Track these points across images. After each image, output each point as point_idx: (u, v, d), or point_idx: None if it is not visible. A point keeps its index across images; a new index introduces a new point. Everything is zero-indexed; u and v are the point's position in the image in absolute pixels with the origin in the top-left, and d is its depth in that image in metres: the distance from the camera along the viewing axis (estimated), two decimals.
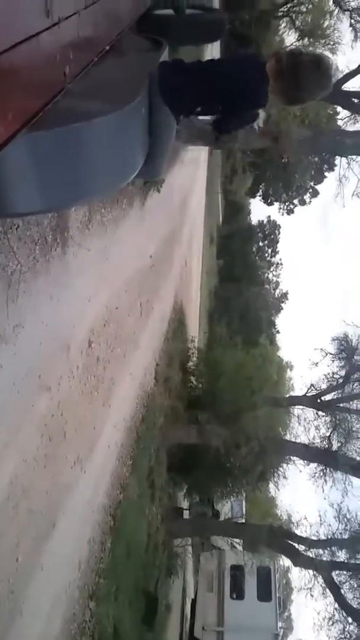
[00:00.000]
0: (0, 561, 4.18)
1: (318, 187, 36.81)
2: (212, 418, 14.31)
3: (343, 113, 15.73)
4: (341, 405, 16.59)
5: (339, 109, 16.47)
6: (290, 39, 20.49)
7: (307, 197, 38.55)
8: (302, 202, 39.09)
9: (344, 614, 14.33)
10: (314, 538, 14.87)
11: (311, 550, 14.63)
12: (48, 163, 1.88)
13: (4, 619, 4.35)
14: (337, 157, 15.89)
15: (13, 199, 1.93)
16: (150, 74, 2.52)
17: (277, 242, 57.25)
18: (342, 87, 12.41)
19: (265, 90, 2.60)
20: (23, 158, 1.78)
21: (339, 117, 17.33)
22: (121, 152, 2.21)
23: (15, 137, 1.66)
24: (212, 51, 14.24)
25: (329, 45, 19.97)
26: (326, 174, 32.29)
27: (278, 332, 49.64)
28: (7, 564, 4.34)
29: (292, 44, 18.75)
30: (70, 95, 2.03)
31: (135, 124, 2.28)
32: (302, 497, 22.90)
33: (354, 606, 14.15)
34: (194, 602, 16.54)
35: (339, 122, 16.62)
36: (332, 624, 14.57)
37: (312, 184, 36.59)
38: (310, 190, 37.68)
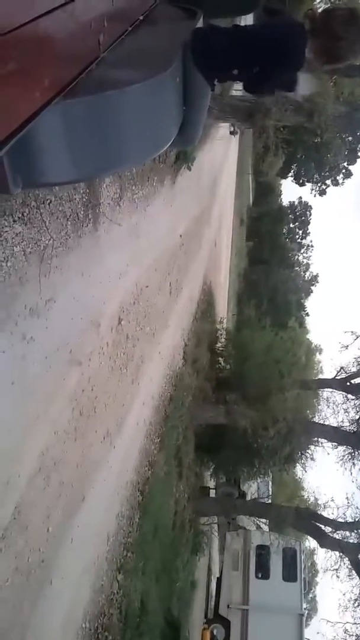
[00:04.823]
0: (31, 531, 4.28)
1: (351, 167, 36.07)
2: (240, 399, 14.31)
3: None
4: None
5: None
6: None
7: (340, 177, 37.80)
8: (335, 183, 38.35)
9: None
10: (341, 520, 14.87)
11: (338, 532, 14.64)
12: (81, 131, 1.87)
13: (35, 587, 4.46)
14: None
15: (45, 168, 1.92)
16: (184, 42, 2.49)
17: (308, 223, 56.63)
18: None
19: (303, 49, 2.56)
20: (56, 126, 1.77)
21: None
22: (155, 121, 2.19)
23: (50, 104, 1.67)
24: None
25: None
26: None
27: (307, 314, 49.31)
28: (39, 534, 4.44)
29: None
30: (104, 64, 2.02)
31: (169, 93, 2.26)
32: (330, 479, 22.85)
33: None
34: (219, 580, 16.67)
35: None
36: (358, 606, 14.64)
37: (345, 164, 35.83)
38: (344, 170, 36.91)
